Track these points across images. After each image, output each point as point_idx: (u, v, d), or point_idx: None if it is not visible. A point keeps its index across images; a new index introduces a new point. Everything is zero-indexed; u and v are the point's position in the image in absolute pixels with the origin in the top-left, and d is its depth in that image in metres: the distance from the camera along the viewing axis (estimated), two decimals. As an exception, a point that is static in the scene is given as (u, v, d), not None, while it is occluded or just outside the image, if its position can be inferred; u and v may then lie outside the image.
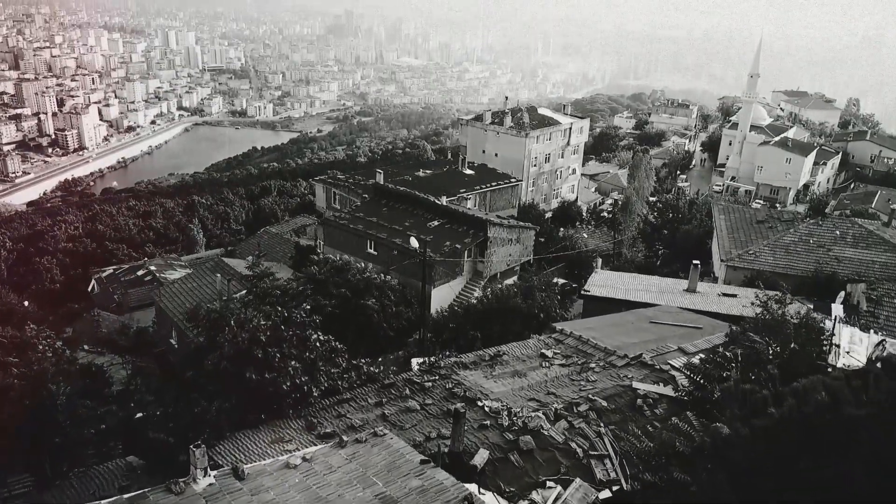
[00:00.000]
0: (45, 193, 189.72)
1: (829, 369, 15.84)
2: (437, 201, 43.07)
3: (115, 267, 54.89)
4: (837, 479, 6.94)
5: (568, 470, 12.53)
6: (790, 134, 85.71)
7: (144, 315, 41.20)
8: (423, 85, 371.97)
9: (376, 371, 17.80)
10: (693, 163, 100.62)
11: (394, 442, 11.66)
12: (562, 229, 53.67)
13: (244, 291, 30.86)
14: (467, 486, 10.29)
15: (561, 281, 39.62)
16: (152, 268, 48.80)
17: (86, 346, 35.10)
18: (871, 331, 18.65)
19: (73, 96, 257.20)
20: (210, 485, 9.46)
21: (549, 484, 12.00)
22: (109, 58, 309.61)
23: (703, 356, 16.70)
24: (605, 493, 11.81)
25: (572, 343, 18.53)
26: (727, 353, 13.29)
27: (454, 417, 12.64)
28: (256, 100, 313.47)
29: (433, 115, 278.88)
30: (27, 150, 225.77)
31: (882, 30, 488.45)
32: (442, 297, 36.60)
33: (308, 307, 17.13)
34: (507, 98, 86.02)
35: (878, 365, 8.46)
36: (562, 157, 72.54)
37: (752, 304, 16.21)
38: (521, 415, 14.26)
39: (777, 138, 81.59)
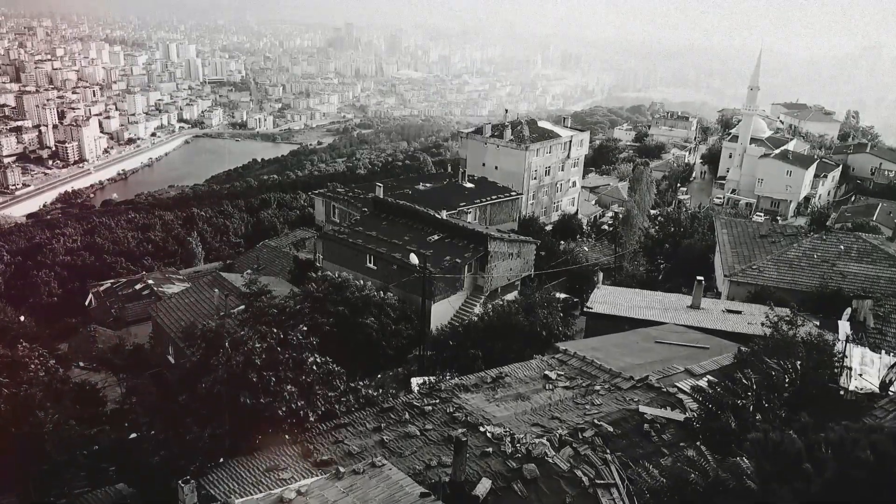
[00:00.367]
0: (45, 205, 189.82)
1: (842, 392, 15.43)
2: (436, 215, 42.69)
3: (112, 281, 54.48)
4: None
5: (573, 500, 12.07)
6: (790, 146, 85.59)
7: (142, 330, 40.69)
8: (423, 97, 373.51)
9: (375, 394, 17.33)
10: (693, 175, 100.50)
11: (392, 473, 11.22)
12: (562, 243, 53.28)
13: (242, 307, 30.46)
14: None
15: (562, 295, 39.17)
16: (150, 282, 48.37)
17: (81, 363, 34.66)
18: (883, 351, 18.22)
19: (73, 109, 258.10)
20: (199, 523, 9.01)
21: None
22: (110, 70, 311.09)
23: (711, 378, 16.26)
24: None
25: (576, 364, 18.09)
26: (743, 380, 12.78)
27: (455, 447, 12.19)
28: (257, 112, 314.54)
29: (433, 128, 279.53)
30: (27, 163, 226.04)
31: (880, 41, 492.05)
32: (442, 312, 36.11)
33: (305, 328, 16.67)
34: (506, 111, 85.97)
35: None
36: (562, 169, 72.33)
37: (762, 324, 15.77)
38: (524, 441, 13.80)
39: (777, 151, 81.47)
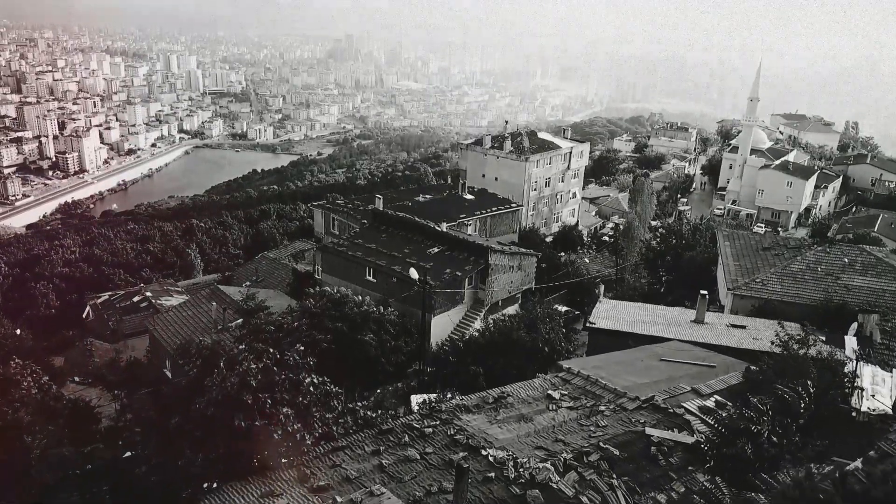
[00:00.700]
0: (44, 216, 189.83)
1: (853, 414, 15.02)
2: (436, 227, 42.34)
3: (110, 293, 54.06)
4: None
5: (579, 529, 11.65)
6: (790, 157, 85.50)
7: (139, 342, 40.21)
8: (423, 108, 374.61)
9: (374, 415, 16.89)
10: (693, 186, 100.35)
11: (391, 503, 10.80)
12: (563, 254, 52.94)
13: (240, 320, 30.02)
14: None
15: (563, 308, 38.77)
16: (148, 294, 47.95)
17: (76, 378, 34.19)
18: (894, 369, 17.80)
19: (74, 119, 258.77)
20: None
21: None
22: (111, 81, 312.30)
23: (719, 399, 15.86)
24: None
25: (580, 383, 17.67)
26: (758, 405, 12.32)
27: (457, 474, 11.78)
28: (257, 123, 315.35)
29: (433, 138, 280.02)
30: (28, 173, 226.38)
31: (879, 52, 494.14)
32: (441, 326, 35.68)
33: (301, 348, 16.25)
34: (506, 122, 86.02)
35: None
36: (562, 181, 72.16)
37: (772, 342, 15.38)
38: (527, 465, 13.38)
39: (777, 162, 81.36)
